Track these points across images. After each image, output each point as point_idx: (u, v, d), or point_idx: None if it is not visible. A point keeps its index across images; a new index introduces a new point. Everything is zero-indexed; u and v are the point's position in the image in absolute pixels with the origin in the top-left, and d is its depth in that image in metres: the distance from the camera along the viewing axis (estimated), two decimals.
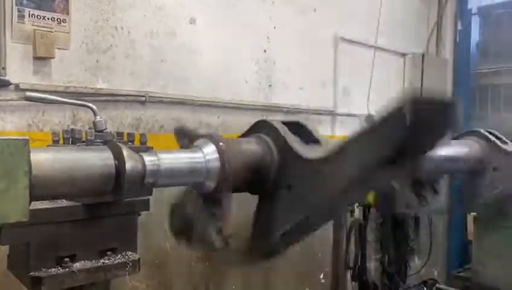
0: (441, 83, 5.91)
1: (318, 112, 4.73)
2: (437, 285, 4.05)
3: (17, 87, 2.85)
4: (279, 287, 4.53)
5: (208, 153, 1.37)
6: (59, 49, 3.02)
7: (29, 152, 0.98)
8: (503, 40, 6.08)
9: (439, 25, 6.09)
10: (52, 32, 2.96)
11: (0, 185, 0.93)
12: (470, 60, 6.23)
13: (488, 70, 6.04)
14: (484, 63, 6.19)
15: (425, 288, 4.87)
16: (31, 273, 1.32)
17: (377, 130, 1.10)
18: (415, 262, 5.99)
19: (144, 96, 3.44)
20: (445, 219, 6.44)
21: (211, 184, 1.38)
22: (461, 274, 4.28)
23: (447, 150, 2.38)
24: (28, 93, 1.58)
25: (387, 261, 5.53)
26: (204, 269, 3.91)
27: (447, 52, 6.19)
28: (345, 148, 1.23)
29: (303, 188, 1.35)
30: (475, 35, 6.31)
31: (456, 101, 1.04)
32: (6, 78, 2.80)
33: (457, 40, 6.19)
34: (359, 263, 5.07)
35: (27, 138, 0.99)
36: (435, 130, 1.09)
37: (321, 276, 4.98)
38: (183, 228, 1.49)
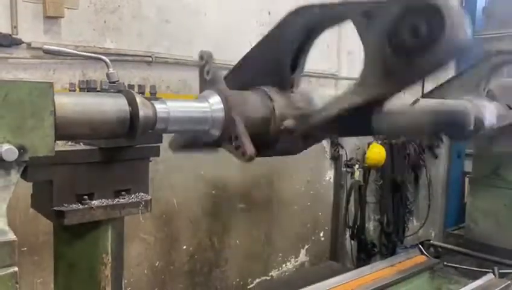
0: None
1: (321, 75, 4.80)
2: (431, 241, 4.23)
3: (28, 46, 2.94)
4: (280, 244, 4.72)
5: (213, 103, 1.49)
6: (68, 8, 3.09)
7: (53, 94, 1.10)
8: (509, 5, 6.05)
9: None
10: None
11: (29, 122, 1.06)
12: (475, 24, 6.22)
13: (493, 35, 6.02)
14: (489, 28, 6.17)
15: (422, 247, 5.04)
16: (55, 208, 1.47)
17: None
18: (413, 224, 6.17)
19: (150, 56, 3.52)
20: (444, 181, 6.58)
21: (215, 132, 1.49)
22: (455, 232, 4.47)
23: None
24: (46, 46, 1.69)
25: (386, 221, 5.70)
26: (209, 224, 4.10)
27: None
28: None
29: None
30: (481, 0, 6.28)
31: None
32: (18, 36, 2.90)
33: (463, 3, 6.15)
34: (358, 223, 5.25)
35: (52, 81, 1.10)
36: None
37: (321, 234, 5.17)
38: None
